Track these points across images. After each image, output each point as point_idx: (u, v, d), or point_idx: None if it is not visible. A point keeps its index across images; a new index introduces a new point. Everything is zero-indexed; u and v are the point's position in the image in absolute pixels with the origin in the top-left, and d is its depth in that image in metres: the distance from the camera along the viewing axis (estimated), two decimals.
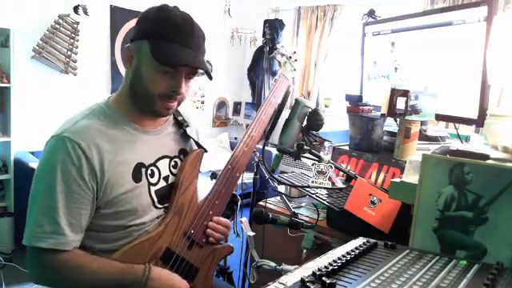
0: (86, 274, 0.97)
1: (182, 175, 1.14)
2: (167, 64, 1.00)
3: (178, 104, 1.10)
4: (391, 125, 1.66)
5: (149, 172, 1.09)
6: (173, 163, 1.16)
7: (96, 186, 0.99)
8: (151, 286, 1.00)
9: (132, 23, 4.05)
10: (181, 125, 1.22)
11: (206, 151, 1.23)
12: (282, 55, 1.47)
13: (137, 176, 1.06)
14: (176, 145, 1.20)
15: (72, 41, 3.59)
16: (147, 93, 1.03)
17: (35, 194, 0.99)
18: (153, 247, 1.06)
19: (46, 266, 0.98)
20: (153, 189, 1.09)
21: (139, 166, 1.07)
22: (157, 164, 1.12)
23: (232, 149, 4.96)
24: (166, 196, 1.13)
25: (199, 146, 1.24)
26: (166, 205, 1.13)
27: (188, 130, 1.24)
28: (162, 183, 1.12)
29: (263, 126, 1.33)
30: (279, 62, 1.47)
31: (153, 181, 1.10)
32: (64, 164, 0.96)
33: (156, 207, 1.10)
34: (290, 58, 1.47)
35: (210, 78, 1.06)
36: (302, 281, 0.65)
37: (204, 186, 1.25)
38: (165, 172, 1.13)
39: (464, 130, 1.71)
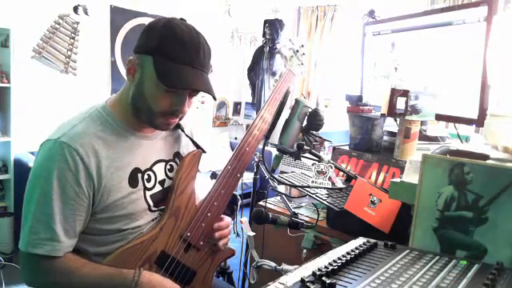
0: (75, 278, 0.97)
1: (178, 177, 1.12)
2: (172, 87, 0.99)
3: (180, 119, 1.09)
4: (391, 125, 1.66)
5: (145, 177, 1.08)
6: (168, 167, 1.16)
7: (93, 191, 0.99)
8: None
9: (132, 23, 4.07)
10: (176, 127, 1.20)
11: (204, 152, 1.21)
12: (289, 49, 1.42)
13: (133, 181, 1.05)
14: (171, 148, 1.19)
15: (72, 41, 3.59)
16: (149, 109, 1.02)
17: (31, 199, 0.97)
18: (147, 250, 1.05)
19: (39, 270, 0.99)
20: (148, 193, 1.09)
21: (135, 172, 1.06)
22: (153, 168, 1.11)
23: (232, 149, 4.96)
24: (162, 200, 1.12)
25: (197, 146, 1.23)
26: (162, 207, 1.12)
27: (185, 130, 1.23)
28: (158, 187, 1.12)
29: (267, 123, 1.31)
30: (285, 57, 1.44)
31: (149, 185, 1.09)
32: (60, 170, 0.95)
33: (151, 211, 1.09)
34: (297, 51, 1.43)
35: (215, 99, 1.05)
36: (302, 281, 0.65)
37: (205, 186, 1.23)
38: (160, 176, 1.13)
39: (464, 130, 1.71)
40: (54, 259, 0.96)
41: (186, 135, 1.23)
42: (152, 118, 1.03)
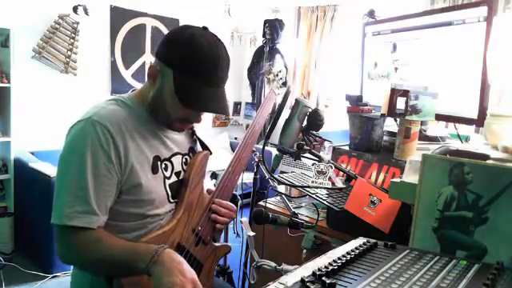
0: (103, 245, 0.98)
1: (192, 173, 1.18)
2: (188, 107, 1.05)
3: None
4: (391, 125, 1.66)
5: (163, 166, 1.13)
6: (184, 160, 1.21)
7: (120, 169, 1.02)
8: (160, 259, 0.93)
9: (132, 23, 4.07)
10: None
11: (211, 153, 1.27)
12: (270, 74, 1.56)
13: (154, 167, 1.10)
14: (187, 143, 1.25)
15: (72, 41, 3.59)
16: (166, 114, 1.09)
17: (64, 175, 1.00)
18: (167, 241, 1.08)
19: (75, 242, 0.99)
20: (167, 182, 1.13)
21: (156, 159, 1.11)
22: (171, 159, 1.16)
23: (232, 149, 4.96)
24: (178, 191, 1.16)
25: (204, 147, 1.29)
26: (177, 200, 1.16)
27: (196, 131, 1.30)
28: (174, 178, 1.16)
29: (255, 136, 1.39)
30: (268, 79, 1.56)
31: (167, 174, 1.14)
32: (93, 147, 0.99)
33: (169, 201, 1.14)
34: (277, 75, 1.55)
35: (227, 115, 1.10)
36: (302, 281, 0.65)
37: (205, 185, 1.28)
38: (177, 168, 1.18)
39: (464, 130, 1.71)
40: (89, 231, 0.98)
41: (197, 136, 1.30)
42: (168, 122, 1.11)
